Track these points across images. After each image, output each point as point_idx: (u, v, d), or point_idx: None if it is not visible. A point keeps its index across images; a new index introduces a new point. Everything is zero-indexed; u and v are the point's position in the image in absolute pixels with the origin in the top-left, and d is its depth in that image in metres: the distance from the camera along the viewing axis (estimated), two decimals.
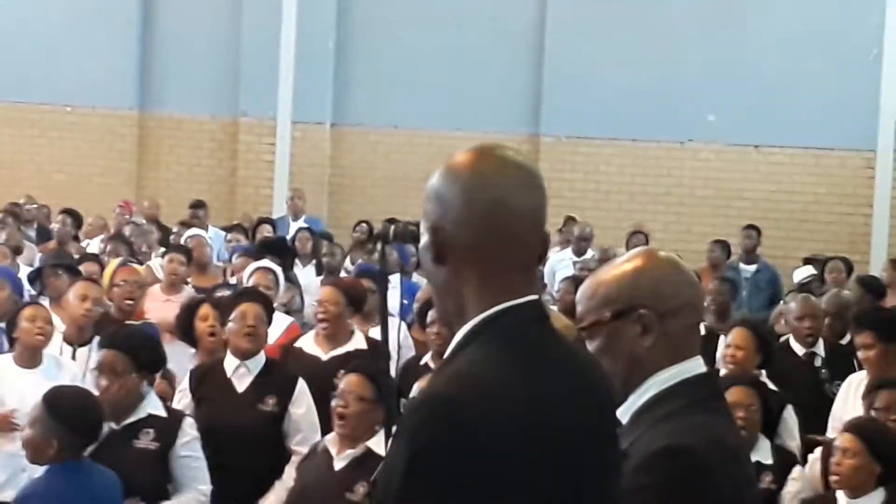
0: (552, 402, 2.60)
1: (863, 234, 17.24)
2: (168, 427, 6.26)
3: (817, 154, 17.38)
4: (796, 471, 6.74)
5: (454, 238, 2.60)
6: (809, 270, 13.51)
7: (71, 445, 5.51)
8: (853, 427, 6.24)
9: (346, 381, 6.23)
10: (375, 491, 2.81)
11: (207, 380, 7.15)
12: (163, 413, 6.33)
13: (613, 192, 17.41)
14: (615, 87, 17.36)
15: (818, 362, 9.19)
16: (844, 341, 9.54)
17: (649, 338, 3.13)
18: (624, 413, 3.18)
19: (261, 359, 7.22)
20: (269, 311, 7.79)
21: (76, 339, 8.04)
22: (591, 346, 3.23)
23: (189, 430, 6.39)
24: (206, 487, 6.31)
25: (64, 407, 5.60)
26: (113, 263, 9.96)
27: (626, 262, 3.27)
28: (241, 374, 7.10)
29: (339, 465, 6.08)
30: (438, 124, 17.67)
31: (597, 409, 2.76)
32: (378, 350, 7.88)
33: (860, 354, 8.23)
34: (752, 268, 14.61)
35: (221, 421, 6.91)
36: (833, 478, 6.09)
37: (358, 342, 8.20)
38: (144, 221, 15.19)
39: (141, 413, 6.26)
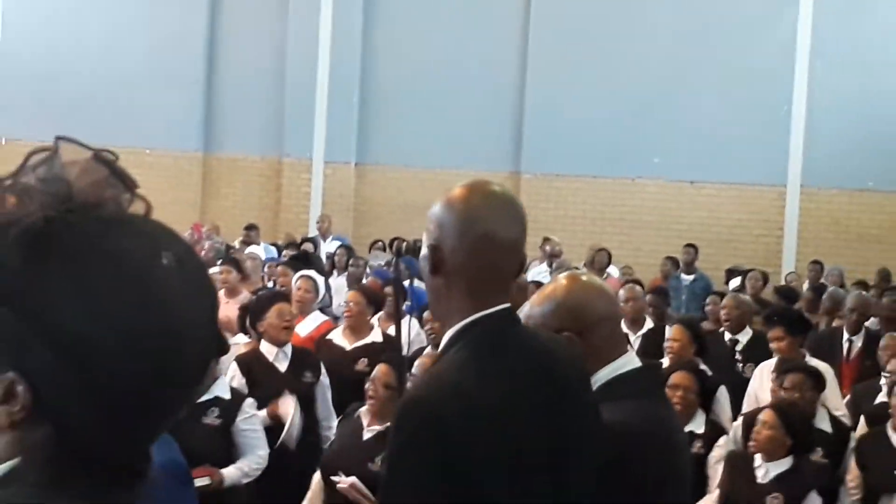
0: (518, 398, 2.68)
1: (775, 252, 18.14)
2: (231, 406, 6.38)
3: (740, 188, 18.32)
4: (722, 440, 6.85)
5: (448, 257, 2.69)
6: (738, 281, 14.22)
7: None
8: (775, 406, 6.47)
9: (377, 370, 6.19)
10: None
11: (254, 365, 7.27)
12: (227, 395, 6.43)
13: (579, 218, 18.08)
14: (581, 134, 18.26)
15: (739, 349, 9.49)
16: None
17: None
18: None
19: (290, 346, 7.46)
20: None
21: None
22: None
23: (248, 409, 6.53)
24: (264, 452, 6.46)
25: None
26: None
27: (552, 292, 3.40)
28: (280, 359, 7.29)
29: (366, 436, 6.06)
30: (440, 163, 18.32)
31: (561, 395, 2.81)
32: (392, 343, 7.88)
33: (773, 345, 8.41)
34: (691, 277, 15.30)
35: (276, 395, 7.12)
36: (752, 444, 6.23)
37: (376, 336, 8.32)
38: (220, 240, 15.97)
39: (209, 395, 6.36)
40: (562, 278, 3.49)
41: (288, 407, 7.13)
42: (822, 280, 15.46)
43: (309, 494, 6.20)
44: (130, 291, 1.30)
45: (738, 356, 9.11)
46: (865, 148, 17.75)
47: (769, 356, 9.02)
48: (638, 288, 10.68)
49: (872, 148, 17.76)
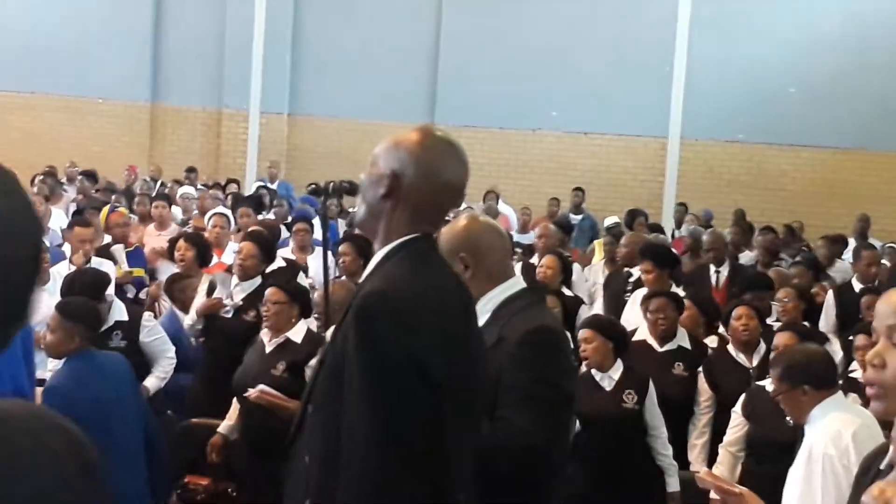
0: (447, 293, 2.93)
1: (657, 196, 18.91)
2: (131, 326, 6.46)
3: (627, 139, 19.14)
4: None
5: (405, 184, 2.87)
6: (615, 219, 14.64)
7: (87, 338, 5.62)
8: (587, 323, 6.57)
9: (267, 292, 6.39)
10: (325, 367, 2.95)
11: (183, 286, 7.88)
12: (125, 317, 6.49)
13: (486, 165, 18.08)
14: (488, 90, 18.94)
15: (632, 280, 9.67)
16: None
17: (468, 271, 3.51)
18: (482, 308, 3.50)
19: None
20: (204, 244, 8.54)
21: (80, 264, 8.24)
22: None
23: (147, 323, 6.62)
24: (171, 352, 6.64)
25: (78, 310, 5.70)
26: (105, 210, 10.84)
27: (457, 224, 3.72)
28: (242, 290, 7.45)
29: (269, 349, 6.25)
30: (363, 115, 18.95)
31: (466, 309, 3.07)
32: (290, 266, 8.64)
33: (643, 277, 8.65)
34: (580, 217, 16.28)
35: (224, 324, 7.33)
36: (585, 362, 6.27)
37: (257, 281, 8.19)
38: (149, 180, 16.53)
39: (110, 321, 6.42)
40: (462, 218, 3.84)
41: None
42: (689, 220, 16.20)
43: (227, 417, 6.40)
44: None
45: (629, 286, 9.31)
46: (736, 104, 18.41)
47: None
48: (552, 226, 11.29)
49: (742, 104, 18.37)
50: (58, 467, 1.30)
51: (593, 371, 6.18)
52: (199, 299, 7.54)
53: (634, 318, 7.79)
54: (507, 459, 3.31)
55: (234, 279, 7.52)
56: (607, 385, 6.12)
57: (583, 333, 6.27)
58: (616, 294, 9.38)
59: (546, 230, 10.81)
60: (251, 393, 5.79)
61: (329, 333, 3.34)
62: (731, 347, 7.00)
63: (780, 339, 6.24)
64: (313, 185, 11.69)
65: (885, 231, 15.61)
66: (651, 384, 6.19)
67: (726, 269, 10.28)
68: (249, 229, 9.46)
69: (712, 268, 10.36)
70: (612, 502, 6.04)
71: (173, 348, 6.62)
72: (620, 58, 18.87)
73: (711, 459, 6.49)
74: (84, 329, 5.52)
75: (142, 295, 8.77)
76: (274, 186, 17.33)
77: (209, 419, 6.61)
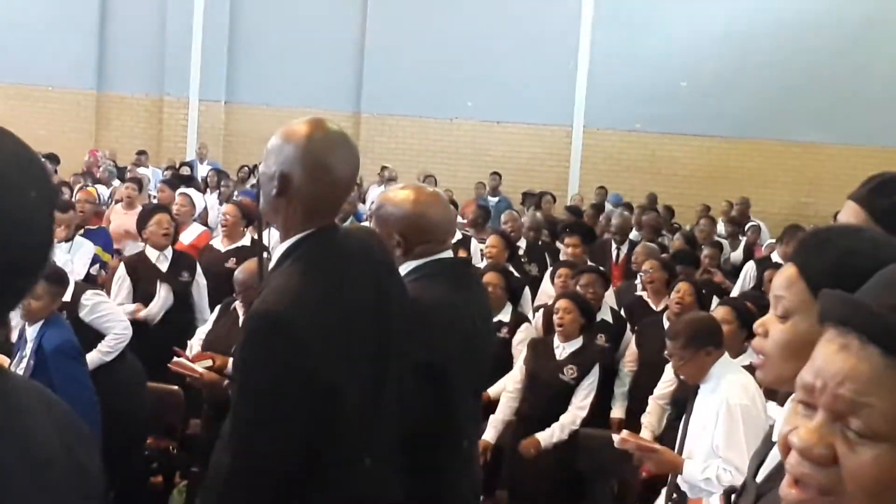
0: (343, 296, 2.84)
1: (563, 179, 19.60)
2: (71, 307, 6.11)
3: (536, 127, 19.75)
4: (523, 326, 7.04)
5: (294, 185, 2.80)
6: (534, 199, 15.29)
7: (57, 301, 5.65)
8: (569, 296, 6.68)
9: (239, 270, 6.07)
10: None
11: (138, 266, 7.47)
12: (67, 298, 6.08)
13: (408, 150, 19.17)
14: (410, 81, 19.45)
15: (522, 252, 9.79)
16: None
17: (399, 250, 3.39)
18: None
19: (170, 250, 7.61)
20: (172, 218, 8.05)
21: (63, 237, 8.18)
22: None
23: (86, 301, 6.25)
24: (120, 328, 6.25)
25: (58, 275, 5.71)
26: (77, 186, 11.11)
27: (406, 199, 3.45)
28: (161, 261, 7.51)
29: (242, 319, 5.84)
30: (294, 103, 18.87)
31: (377, 287, 2.97)
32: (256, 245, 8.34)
33: (568, 250, 8.85)
34: (496, 199, 16.57)
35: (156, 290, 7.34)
36: (558, 328, 6.40)
37: (246, 241, 8.52)
38: (112, 163, 16.53)
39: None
40: (412, 191, 3.51)
41: (159, 296, 7.31)
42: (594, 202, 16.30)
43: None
44: None
45: (522, 258, 9.61)
46: (634, 97, 19.01)
47: (543, 259, 9.98)
48: (476, 208, 11.88)
49: (639, 97, 18.98)
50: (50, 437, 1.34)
51: (555, 338, 6.43)
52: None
53: (551, 291, 7.93)
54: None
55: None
56: (559, 354, 6.37)
57: (563, 303, 6.44)
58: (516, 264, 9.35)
59: (470, 210, 11.55)
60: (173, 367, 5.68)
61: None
62: (665, 317, 7.08)
63: (720, 312, 5.97)
64: (245, 167, 13.34)
65: (764, 211, 16.42)
66: (596, 369, 6.34)
67: (626, 247, 10.61)
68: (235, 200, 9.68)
69: (614, 245, 10.73)
70: (537, 459, 6.19)
71: (122, 324, 6.27)
72: (530, 54, 19.34)
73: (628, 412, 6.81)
74: (61, 292, 5.62)
75: (93, 271, 8.66)
76: (203, 166, 17.72)
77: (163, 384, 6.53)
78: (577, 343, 6.41)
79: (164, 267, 7.46)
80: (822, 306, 1.32)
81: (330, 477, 2.82)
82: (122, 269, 7.45)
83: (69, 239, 8.22)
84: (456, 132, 20.06)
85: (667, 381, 6.28)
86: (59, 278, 5.68)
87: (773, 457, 2.02)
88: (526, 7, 19.50)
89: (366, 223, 8.28)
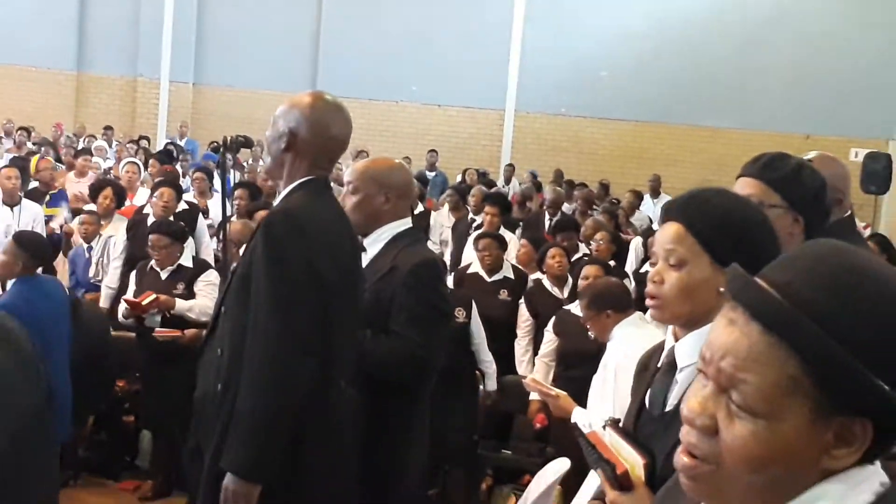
0: (336, 219, 3.15)
1: (496, 157, 20.13)
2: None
3: (472, 110, 20.18)
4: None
5: (301, 143, 3.06)
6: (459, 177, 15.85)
7: (29, 266, 5.61)
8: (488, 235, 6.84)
9: (151, 239, 6.42)
10: (236, 276, 3.05)
11: (138, 231, 7.51)
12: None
13: (358, 130, 16.76)
14: (359, 66, 19.82)
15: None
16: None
17: (388, 204, 3.60)
18: (371, 244, 3.62)
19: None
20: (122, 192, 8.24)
21: (10, 202, 8.25)
22: (353, 201, 3.61)
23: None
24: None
25: (27, 241, 5.73)
26: (36, 157, 10.66)
27: (393, 163, 3.75)
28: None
29: (163, 276, 6.37)
30: (256, 85, 19.79)
31: (352, 236, 3.25)
32: (191, 208, 8.35)
33: (486, 218, 8.92)
34: (433, 174, 17.31)
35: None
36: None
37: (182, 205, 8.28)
38: (73, 136, 17.08)
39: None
40: (397, 160, 3.86)
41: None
42: (515, 178, 17.34)
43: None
44: None
45: (471, 231, 9.53)
46: (560, 84, 19.52)
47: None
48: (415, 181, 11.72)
49: (565, 84, 19.52)
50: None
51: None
52: (120, 240, 7.55)
53: (471, 256, 7.97)
54: (398, 365, 3.46)
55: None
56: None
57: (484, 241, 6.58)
58: (461, 236, 9.82)
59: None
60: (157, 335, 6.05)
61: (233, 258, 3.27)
62: (546, 281, 7.11)
63: (589, 271, 6.26)
64: (214, 143, 13.32)
65: (674, 188, 15.90)
66: (475, 305, 6.29)
67: (558, 218, 10.52)
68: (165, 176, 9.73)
69: (547, 216, 10.91)
70: (444, 398, 6.17)
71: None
72: (468, 44, 19.78)
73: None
74: (28, 258, 5.54)
75: (57, 224, 8.74)
76: (182, 143, 18.04)
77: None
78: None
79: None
80: (727, 282, 1.24)
81: (316, 401, 2.91)
82: (122, 227, 7.62)
83: (15, 204, 8.18)
84: (401, 113, 20.43)
85: (548, 341, 6.36)
86: (24, 243, 5.62)
87: (681, 385, 2.10)
88: (465, 1, 20.00)
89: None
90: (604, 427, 2.27)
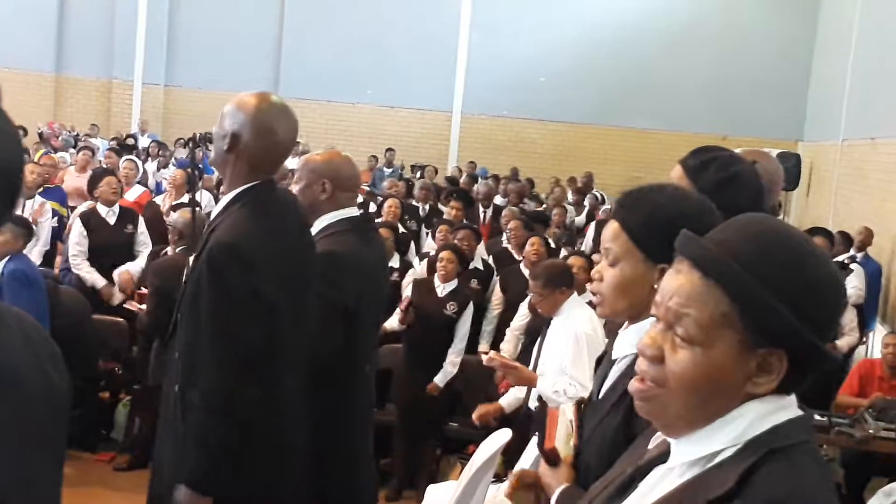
0: (280, 231, 2.97)
1: (444, 155, 20.14)
2: None
3: (423, 112, 20.43)
4: (410, 271, 7.19)
5: (243, 146, 2.88)
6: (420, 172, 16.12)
7: (24, 243, 5.76)
8: (450, 247, 6.71)
9: (174, 217, 6.39)
10: (188, 290, 2.90)
11: (91, 219, 7.34)
12: None
13: (317, 129, 18.70)
14: (319, 70, 19.72)
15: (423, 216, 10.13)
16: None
17: (324, 194, 3.47)
18: (317, 225, 3.48)
19: (118, 207, 7.53)
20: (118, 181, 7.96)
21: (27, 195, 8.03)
22: (295, 191, 3.49)
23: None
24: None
25: (23, 222, 5.90)
26: (40, 152, 11.30)
27: (327, 154, 3.62)
28: (109, 216, 7.40)
29: (111, 221, 6.45)
30: (222, 87, 16.48)
31: (301, 233, 3.11)
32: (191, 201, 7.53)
33: (451, 212, 9.09)
34: (390, 169, 17.59)
35: (106, 240, 7.20)
36: (440, 273, 6.43)
37: (185, 199, 8.45)
38: (69, 133, 17.23)
39: None
40: (332, 150, 3.70)
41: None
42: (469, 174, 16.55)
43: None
44: None
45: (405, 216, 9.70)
46: (503, 88, 19.66)
47: (419, 217, 10.20)
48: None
49: (507, 88, 19.63)
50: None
51: (436, 279, 6.48)
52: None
53: (433, 244, 8.10)
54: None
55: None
56: (440, 292, 6.40)
57: (446, 253, 6.49)
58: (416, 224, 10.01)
59: (367, 178, 12.08)
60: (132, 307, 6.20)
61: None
62: (522, 265, 7.22)
63: (574, 262, 6.09)
64: (181, 139, 13.37)
65: (604, 184, 16.96)
66: (471, 304, 6.43)
67: (491, 210, 11.20)
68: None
69: (481, 208, 11.16)
70: (421, 379, 6.33)
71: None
72: (419, 50, 19.92)
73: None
74: (26, 236, 5.75)
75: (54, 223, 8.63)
76: (144, 138, 18.08)
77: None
78: (453, 284, 6.49)
79: (111, 220, 7.41)
80: (677, 243, 1.37)
81: (268, 397, 2.83)
82: (78, 223, 7.39)
83: (30, 197, 8.13)
84: (357, 115, 20.50)
85: (521, 316, 6.46)
86: (25, 224, 5.89)
87: (612, 375, 2.10)
88: (416, 11, 20.03)
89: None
90: (571, 403, 2.25)
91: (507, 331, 6.62)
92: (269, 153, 2.92)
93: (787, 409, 1.33)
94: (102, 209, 7.42)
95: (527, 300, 6.30)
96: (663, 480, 1.38)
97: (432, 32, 20.09)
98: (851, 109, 13.64)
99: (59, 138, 16.06)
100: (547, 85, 19.77)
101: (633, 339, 2.04)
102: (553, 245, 8.32)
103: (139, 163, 11.16)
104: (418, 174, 16.56)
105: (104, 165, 10.88)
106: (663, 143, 18.25)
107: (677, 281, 1.34)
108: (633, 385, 1.38)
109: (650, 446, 1.50)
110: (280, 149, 2.95)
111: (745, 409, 1.31)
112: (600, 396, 2.11)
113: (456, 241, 7.19)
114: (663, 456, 1.41)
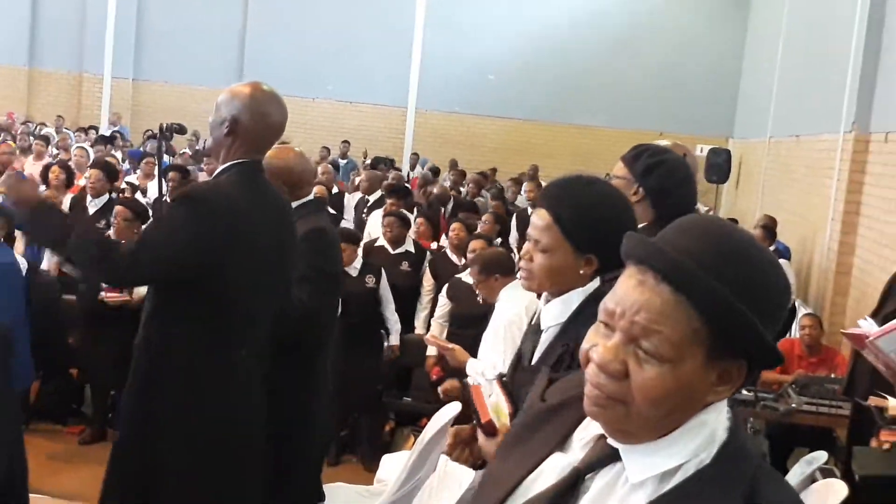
0: (261, 206, 3.00)
1: (399, 148, 20.14)
2: None
3: (380, 107, 20.43)
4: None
5: (242, 129, 2.96)
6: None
7: (5, 234, 5.54)
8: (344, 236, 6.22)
9: (116, 210, 6.27)
10: (145, 234, 2.98)
11: (77, 206, 7.42)
12: None
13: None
14: (282, 64, 19.37)
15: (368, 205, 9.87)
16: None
17: (285, 188, 3.50)
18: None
19: (69, 196, 7.61)
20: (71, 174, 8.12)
21: None
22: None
23: None
24: None
25: (4, 210, 5.56)
26: None
27: (286, 154, 3.68)
28: (94, 205, 7.41)
29: (91, 210, 6.66)
30: (188, 81, 19.86)
31: (280, 213, 3.13)
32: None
33: (388, 207, 8.52)
34: (345, 161, 17.38)
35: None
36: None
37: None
38: (31, 125, 16.91)
39: None
40: (289, 149, 3.77)
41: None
42: (419, 166, 17.36)
43: None
44: None
45: (365, 210, 10.05)
46: (455, 86, 19.81)
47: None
48: (329, 167, 12.18)
49: (459, 86, 19.78)
50: None
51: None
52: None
53: (374, 231, 8.20)
54: (288, 321, 3.28)
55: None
56: (353, 272, 6.28)
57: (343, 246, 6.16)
58: (358, 213, 10.30)
59: (326, 169, 11.82)
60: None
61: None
62: (448, 251, 7.24)
63: (475, 244, 6.37)
64: (149, 131, 13.16)
65: (550, 176, 15.60)
66: (384, 271, 6.40)
67: (451, 203, 10.92)
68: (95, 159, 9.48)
69: (443, 208, 10.62)
70: (357, 351, 6.12)
71: None
72: (376, 48, 20.00)
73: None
74: (8, 223, 5.56)
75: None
76: (117, 128, 18.12)
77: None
78: (359, 262, 6.43)
79: (93, 210, 7.40)
80: (625, 246, 1.26)
81: (214, 363, 2.88)
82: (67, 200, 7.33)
83: None
84: (318, 110, 20.46)
85: (442, 305, 6.48)
86: (9, 214, 5.43)
87: (542, 344, 2.15)
88: (374, 10, 20.08)
89: None
90: (492, 381, 2.23)
91: (432, 320, 6.61)
92: (264, 134, 3.02)
93: (725, 409, 1.28)
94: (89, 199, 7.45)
95: (445, 288, 6.41)
96: (625, 497, 1.26)
97: (389, 30, 20.14)
98: (778, 109, 13.84)
99: (20, 129, 15.89)
100: (496, 83, 19.88)
101: (557, 311, 2.13)
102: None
103: (90, 150, 10.99)
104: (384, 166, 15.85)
105: (73, 156, 10.83)
106: (604, 138, 18.41)
107: (643, 294, 1.22)
108: (589, 391, 1.26)
109: (578, 444, 1.36)
110: (273, 130, 3.05)
111: (705, 417, 1.24)
112: (532, 363, 2.14)
113: (384, 227, 7.33)
114: (603, 460, 1.29)
